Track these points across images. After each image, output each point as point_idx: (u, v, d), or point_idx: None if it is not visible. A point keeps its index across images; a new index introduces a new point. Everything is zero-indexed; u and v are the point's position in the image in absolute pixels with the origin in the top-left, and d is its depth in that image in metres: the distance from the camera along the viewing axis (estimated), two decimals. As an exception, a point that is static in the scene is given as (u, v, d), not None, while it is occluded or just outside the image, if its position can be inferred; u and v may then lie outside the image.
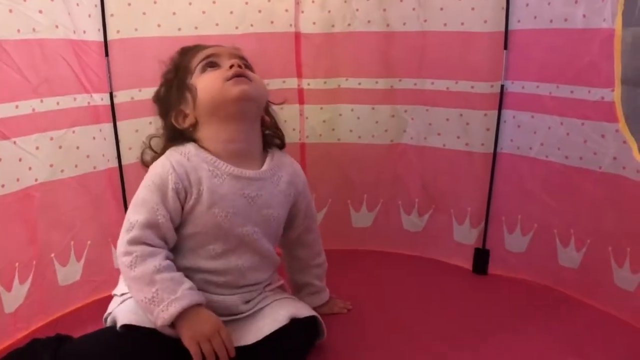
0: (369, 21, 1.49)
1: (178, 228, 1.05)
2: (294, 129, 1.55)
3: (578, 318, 1.26)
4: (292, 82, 1.53)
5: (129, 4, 1.35)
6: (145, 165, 1.12)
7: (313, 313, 1.11)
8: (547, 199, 1.37)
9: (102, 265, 1.35)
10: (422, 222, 1.58)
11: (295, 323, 1.05)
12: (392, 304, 1.32)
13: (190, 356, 0.97)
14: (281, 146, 1.18)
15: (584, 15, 1.23)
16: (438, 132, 1.50)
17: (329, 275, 1.28)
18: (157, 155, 1.11)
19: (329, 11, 1.50)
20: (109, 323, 1.05)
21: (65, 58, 1.24)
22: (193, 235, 1.06)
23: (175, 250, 1.06)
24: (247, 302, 1.09)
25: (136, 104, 1.37)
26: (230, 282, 1.08)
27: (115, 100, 1.35)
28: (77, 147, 1.28)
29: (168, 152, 1.07)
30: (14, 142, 1.15)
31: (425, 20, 1.46)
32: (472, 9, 1.39)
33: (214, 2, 1.43)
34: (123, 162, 1.37)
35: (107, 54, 1.32)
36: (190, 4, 1.41)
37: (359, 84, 1.54)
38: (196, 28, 1.41)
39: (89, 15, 1.29)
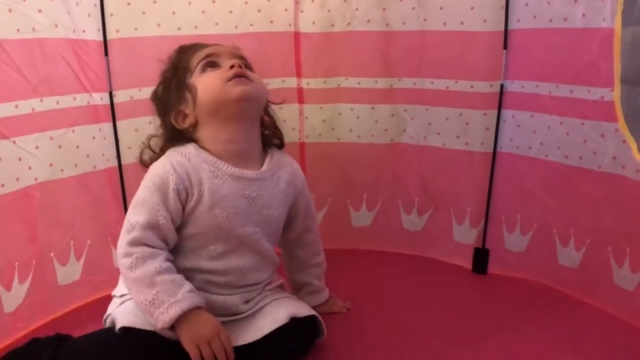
0: (368, 20, 1.49)
1: (179, 229, 1.05)
2: (293, 129, 1.55)
3: (578, 318, 1.26)
4: (291, 82, 1.53)
5: (129, 4, 1.35)
6: (144, 165, 1.12)
7: (313, 312, 1.11)
8: (547, 199, 1.37)
9: (102, 264, 1.35)
10: (422, 221, 1.58)
11: (295, 322, 1.05)
12: (391, 304, 1.32)
13: (189, 358, 0.97)
14: (280, 146, 1.18)
15: (584, 15, 1.23)
16: (438, 131, 1.50)
17: (328, 274, 1.28)
18: (156, 155, 1.11)
19: (329, 10, 1.50)
20: (108, 324, 1.04)
21: (65, 57, 1.24)
22: (194, 236, 1.06)
23: (175, 251, 1.05)
24: (247, 301, 1.09)
25: (136, 103, 1.37)
26: (230, 282, 1.08)
27: (115, 100, 1.35)
28: (77, 147, 1.28)
29: (168, 153, 1.07)
30: (14, 142, 1.15)
31: (424, 20, 1.46)
32: (472, 8, 1.39)
33: (213, 2, 1.43)
34: (123, 162, 1.37)
35: (106, 54, 1.32)
36: (189, 3, 1.41)
37: (359, 83, 1.54)
38: (196, 27, 1.41)
39: (89, 15, 1.29)
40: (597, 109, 1.23)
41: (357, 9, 1.49)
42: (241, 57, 1.12)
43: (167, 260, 1.01)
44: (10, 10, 1.12)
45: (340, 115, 1.57)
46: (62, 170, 1.26)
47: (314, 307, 1.17)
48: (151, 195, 1.02)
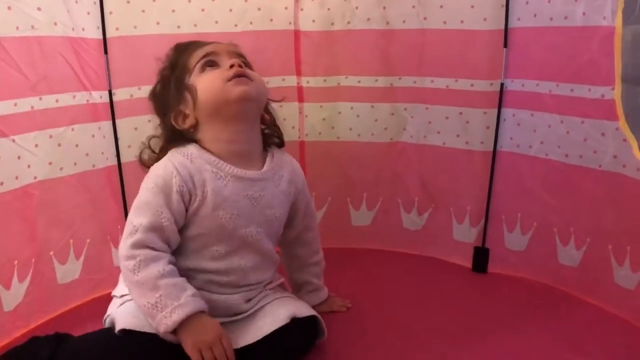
0: (368, 19, 1.49)
1: (181, 230, 1.04)
2: (293, 127, 1.55)
3: (578, 316, 1.26)
4: (291, 80, 1.53)
5: (128, 2, 1.34)
6: (144, 164, 1.12)
7: (313, 312, 1.10)
8: (547, 198, 1.37)
9: (102, 263, 1.35)
10: (422, 220, 1.58)
11: (295, 322, 1.05)
12: (391, 303, 1.32)
13: None
14: (280, 145, 1.18)
15: (584, 13, 1.23)
16: (438, 130, 1.50)
17: (328, 273, 1.28)
18: (156, 155, 1.10)
19: (329, 9, 1.50)
20: (108, 324, 1.04)
21: (64, 55, 1.24)
22: (196, 237, 1.05)
23: (177, 252, 1.05)
24: (249, 300, 1.09)
25: (135, 101, 1.36)
26: (232, 281, 1.07)
27: (115, 98, 1.34)
28: (76, 145, 1.28)
29: (169, 154, 1.06)
30: (13, 140, 1.15)
31: (425, 18, 1.45)
32: (472, 6, 1.39)
33: (213, 0, 1.42)
34: (122, 160, 1.37)
35: (106, 52, 1.32)
36: (189, 1, 1.41)
37: (359, 81, 1.54)
38: (195, 26, 1.41)
39: (88, 13, 1.29)
40: (597, 108, 1.23)
41: (357, 8, 1.49)
42: (240, 55, 1.11)
43: (170, 263, 1.00)
44: (9, 8, 1.12)
45: (340, 114, 1.57)
46: (61, 168, 1.25)
47: (313, 306, 1.17)
48: (154, 197, 1.01)
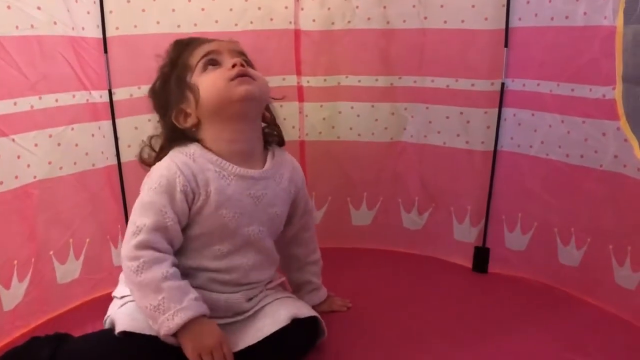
0: (368, 18, 1.49)
1: (184, 229, 1.04)
2: (293, 127, 1.55)
3: (578, 316, 1.26)
4: (291, 80, 1.53)
5: (128, 1, 1.34)
6: (143, 162, 1.11)
7: (314, 313, 1.10)
8: (548, 197, 1.37)
9: (101, 263, 1.35)
10: (422, 220, 1.58)
11: (296, 323, 1.05)
12: (391, 302, 1.32)
13: None
14: (281, 143, 1.18)
15: (585, 13, 1.23)
16: (438, 130, 1.50)
17: (328, 273, 1.28)
18: (156, 154, 1.10)
19: (329, 8, 1.50)
20: (108, 325, 1.04)
21: (64, 55, 1.24)
22: (199, 236, 1.05)
23: (179, 251, 1.05)
24: (250, 299, 1.09)
25: (135, 101, 1.36)
26: (234, 280, 1.07)
27: (114, 98, 1.34)
28: (76, 145, 1.28)
29: (171, 153, 1.06)
30: (13, 140, 1.15)
31: (425, 18, 1.45)
32: (473, 6, 1.39)
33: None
34: (122, 160, 1.37)
35: (106, 51, 1.32)
36: (189, 0, 1.40)
37: (359, 81, 1.53)
38: (195, 25, 1.41)
39: (88, 12, 1.29)
40: (598, 108, 1.23)
41: (357, 7, 1.49)
42: (241, 53, 1.11)
43: (173, 265, 1.00)
44: (9, 7, 1.12)
45: (340, 114, 1.56)
46: (61, 168, 1.25)
47: (314, 306, 1.17)
48: (158, 197, 1.00)
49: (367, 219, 1.62)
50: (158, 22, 1.38)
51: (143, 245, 0.98)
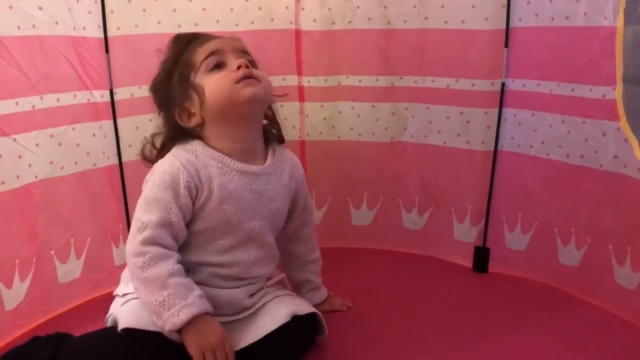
0: (369, 18, 1.49)
1: (187, 225, 1.05)
2: (294, 127, 1.55)
3: (578, 316, 1.26)
4: (292, 80, 1.53)
5: (129, 1, 1.34)
6: (145, 159, 1.11)
7: (314, 310, 1.11)
8: (548, 197, 1.37)
9: (102, 262, 1.35)
10: (423, 220, 1.58)
11: (296, 320, 1.05)
12: (392, 302, 1.32)
13: None
14: (280, 141, 1.18)
15: (585, 13, 1.23)
16: (438, 130, 1.50)
17: (328, 273, 1.28)
18: (157, 151, 1.10)
19: (330, 8, 1.50)
20: (110, 324, 1.04)
21: (65, 55, 1.24)
22: (202, 231, 1.06)
23: (182, 246, 1.05)
24: (251, 295, 1.09)
25: (136, 101, 1.37)
26: (235, 274, 1.08)
27: (116, 97, 1.35)
28: (77, 144, 1.28)
29: (174, 150, 1.06)
30: (14, 139, 1.15)
31: (426, 18, 1.45)
32: (473, 6, 1.39)
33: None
34: (123, 160, 1.37)
35: (107, 51, 1.32)
36: (190, 0, 1.41)
37: (360, 81, 1.54)
38: (196, 25, 1.41)
39: (89, 12, 1.29)
40: (598, 108, 1.23)
41: (358, 7, 1.49)
42: (245, 52, 1.10)
43: (178, 262, 1.01)
44: (10, 7, 1.12)
45: (340, 114, 1.57)
46: (62, 167, 1.25)
47: (314, 306, 1.16)
48: (162, 193, 1.01)
49: (367, 218, 1.62)
50: (159, 22, 1.38)
51: (149, 241, 0.99)
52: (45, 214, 1.22)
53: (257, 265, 1.10)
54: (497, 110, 1.41)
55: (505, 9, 1.35)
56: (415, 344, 1.15)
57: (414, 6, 1.46)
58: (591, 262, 1.31)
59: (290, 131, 1.50)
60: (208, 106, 1.05)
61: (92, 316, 1.16)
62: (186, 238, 1.05)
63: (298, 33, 1.51)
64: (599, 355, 1.11)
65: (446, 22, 1.43)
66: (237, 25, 1.45)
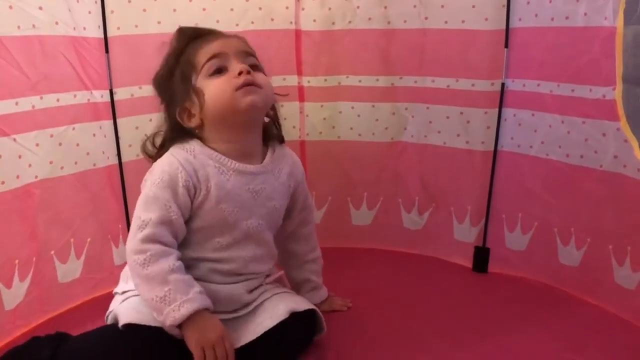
0: (369, 18, 1.49)
1: (185, 222, 1.05)
2: (294, 127, 1.55)
3: (578, 316, 1.26)
4: (292, 80, 1.53)
5: (129, 1, 1.34)
6: (147, 154, 1.11)
7: (312, 306, 1.11)
8: (548, 197, 1.37)
9: (102, 262, 1.35)
10: (422, 220, 1.58)
11: (294, 317, 1.05)
12: (391, 302, 1.32)
13: (190, 357, 0.98)
14: (281, 141, 1.18)
15: (585, 14, 1.23)
16: (438, 130, 1.50)
17: (328, 272, 1.28)
18: (157, 149, 1.10)
19: (330, 8, 1.50)
20: (110, 321, 1.05)
21: (65, 55, 1.24)
22: (200, 229, 1.06)
23: (181, 243, 1.06)
24: (251, 291, 1.10)
25: (136, 101, 1.37)
26: (233, 269, 1.08)
27: (115, 97, 1.35)
28: (77, 144, 1.28)
29: (173, 149, 1.06)
30: (14, 139, 1.15)
31: (426, 18, 1.45)
32: (473, 6, 1.39)
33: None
34: (123, 160, 1.37)
35: (107, 51, 1.32)
36: (190, 0, 1.41)
37: (360, 81, 1.54)
38: (196, 25, 1.40)
39: (89, 12, 1.29)
40: (598, 108, 1.23)
41: (358, 7, 1.49)
42: (249, 54, 1.09)
43: (178, 259, 1.01)
44: (10, 7, 1.12)
45: (340, 114, 1.57)
46: (62, 167, 1.25)
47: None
48: (162, 192, 1.02)
49: (367, 218, 1.62)
50: (159, 22, 1.38)
51: (149, 239, 0.99)
52: (45, 214, 1.22)
53: (254, 261, 1.10)
54: (497, 110, 1.41)
55: (505, 9, 1.36)
56: (415, 343, 1.15)
57: (414, 6, 1.46)
58: (591, 262, 1.31)
59: (290, 131, 1.51)
60: (208, 111, 1.05)
61: (92, 316, 1.16)
62: (185, 235, 1.06)
63: (298, 33, 1.51)
64: (598, 355, 1.11)
65: (446, 22, 1.43)
66: (237, 25, 1.45)
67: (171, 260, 0.99)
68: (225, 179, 1.06)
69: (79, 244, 1.31)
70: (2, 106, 1.12)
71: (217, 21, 1.43)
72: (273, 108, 1.15)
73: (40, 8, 1.17)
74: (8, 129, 1.13)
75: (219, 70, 1.05)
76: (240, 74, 1.03)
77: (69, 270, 1.29)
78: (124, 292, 1.08)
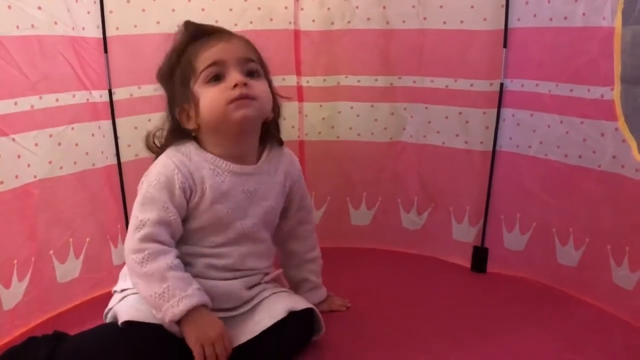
0: (368, 18, 1.49)
1: (182, 222, 1.06)
2: (293, 127, 1.55)
3: (577, 316, 1.26)
4: (291, 80, 1.53)
5: (128, 1, 1.34)
6: (150, 150, 1.12)
7: (310, 305, 1.11)
8: (546, 198, 1.37)
9: (101, 262, 1.35)
10: (421, 220, 1.58)
11: (293, 316, 1.06)
12: (390, 302, 1.32)
13: (189, 354, 0.98)
14: (280, 143, 1.17)
15: (584, 14, 1.23)
16: (437, 130, 1.50)
17: (328, 272, 1.28)
18: (157, 148, 1.11)
19: (329, 8, 1.50)
20: (109, 319, 1.05)
21: (64, 55, 1.24)
22: (196, 229, 1.07)
23: (177, 241, 1.06)
24: (249, 288, 1.10)
25: (135, 101, 1.37)
26: (230, 265, 1.09)
27: (114, 97, 1.34)
28: (76, 144, 1.28)
29: (168, 151, 1.07)
30: (13, 139, 1.15)
31: (424, 18, 1.46)
32: (472, 7, 1.39)
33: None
34: (122, 160, 1.37)
35: (106, 51, 1.32)
36: (189, 0, 1.41)
37: (359, 81, 1.54)
38: (197, 25, 1.41)
39: (88, 12, 1.29)
40: (596, 108, 1.23)
41: (357, 7, 1.49)
42: (249, 60, 1.07)
43: (177, 257, 1.02)
44: (9, 7, 1.12)
45: (339, 114, 1.57)
46: (61, 167, 1.25)
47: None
48: (159, 193, 1.03)
49: (366, 218, 1.62)
50: (158, 22, 1.38)
51: (147, 238, 1.00)
52: (44, 213, 1.22)
53: (251, 258, 1.11)
54: (495, 110, 1.42)
55: (504, 10, 1.36)
56: (415, 343, 1.15)
57: (413, 6, 1.46)
58: (589, 262, 1.31)
59: (289, 131, 1.51)
60: (202, 118, 1.05)
61: (91, 316, 1.16)
62: (181, 235, 1.07)
63: (297, 33, 1.51)
64: (598, 355, 1.11)
65: (445, 22, 1.43)
66: (235, 25, 1.44)
67: (169, 258, 1.00)
68: (220, 180, 1.07)
69: (78, 244, 1.31)
70: (1, 106, 1.12)
71: (216, 21, 1.42)
72: (275, 110, 1.15)
73: (39, 8, 1.17)
74: (7, 129, 1.13)
75: (217, 78, 1.04)
76: (235, 86, 1.02)
77: (68, 270, 1.29)
78: (122, 290, 1.08)
